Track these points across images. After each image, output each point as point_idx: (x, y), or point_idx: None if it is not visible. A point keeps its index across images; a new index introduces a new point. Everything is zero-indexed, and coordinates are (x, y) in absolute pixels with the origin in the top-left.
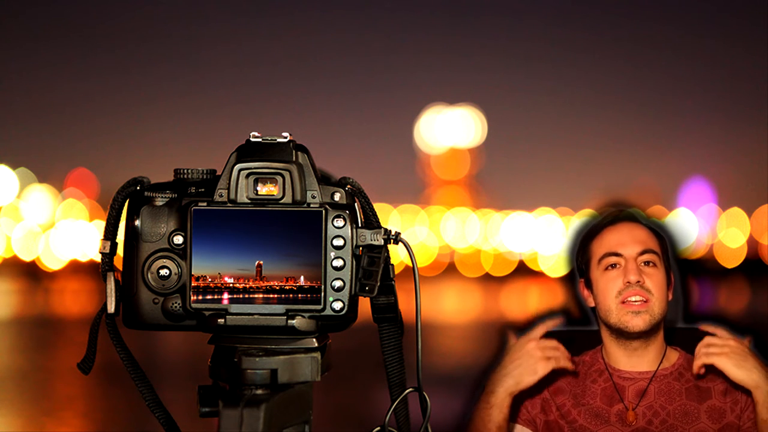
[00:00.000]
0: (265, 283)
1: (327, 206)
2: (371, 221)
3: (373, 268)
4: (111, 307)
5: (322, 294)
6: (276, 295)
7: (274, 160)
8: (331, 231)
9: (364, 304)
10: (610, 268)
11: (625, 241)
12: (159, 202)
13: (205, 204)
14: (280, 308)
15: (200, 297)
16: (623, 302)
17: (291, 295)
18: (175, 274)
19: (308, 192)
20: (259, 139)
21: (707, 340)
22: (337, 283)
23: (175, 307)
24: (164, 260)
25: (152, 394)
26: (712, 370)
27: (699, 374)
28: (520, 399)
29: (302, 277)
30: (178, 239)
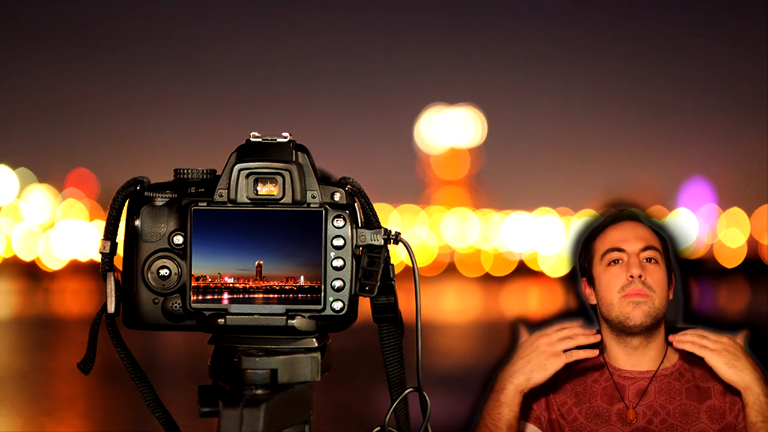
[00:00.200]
0: (265, 283)
1: (327, 206)
2: (371, 221)
3: (373, 268)
4: (111, 307)
5: (322, 294)
6: (276, 295)
7: (274, 160)
8: (331, 231)
9: (364, 304)
10: (612, 263)
11: (627, 237)
12: (159, 202)
13: (205, 204)
14: (280, 308)
15: (200, 297)
16: (625, 297)
17: (291, 295)
18: (175, 274)
19: (308, 192)
20: (259, 139)
21: (701, 331)
22: (337, 283)
23: (175, 307)
24: (164, 260)
25: (152, 394)
26: (706, 374)
27: (679, 350)
28: (530, 396)
29: (302, 277)
30: (178, 239)
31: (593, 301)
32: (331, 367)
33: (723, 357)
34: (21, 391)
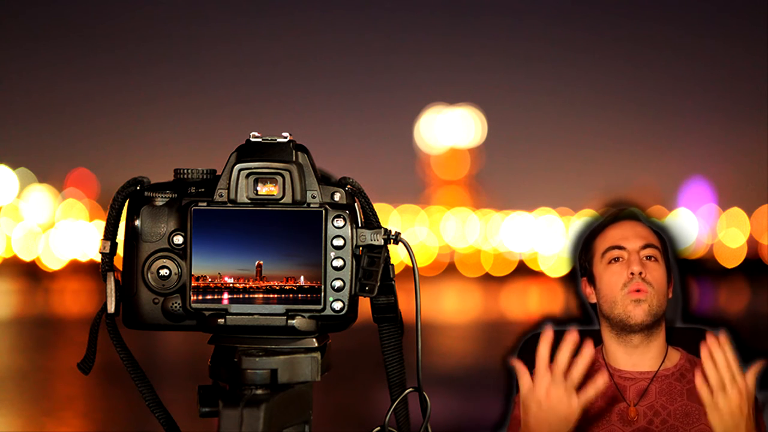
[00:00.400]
0: (265, 283)
1: (327, 206)
2: (371, 221)
3: (373, 268)
4: (111, 307)
5: (322, 294)
6: (276, 295)
7: (274, 160)
8: (331, 231)
9: (364, 304)
10: (613, 261)
11: (628, 235)
12: (159, 202)
13: (205, 204)
14: (280, 308)
15: (200, 297)
16: (627, 294)
17: (291, 295)
18: (175, 274)
19: (308, 192)
20: (259, 139)
21: (731, 362)
22: (337, 283)
23: (175, 307)
24: (164, 260)
25: (152, 394)
26: None
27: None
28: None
29: (302, 277)
30: (178, 239)
31: (593, 300)
32: (331, 367)
33: (723, 421)
34: (21, 391)
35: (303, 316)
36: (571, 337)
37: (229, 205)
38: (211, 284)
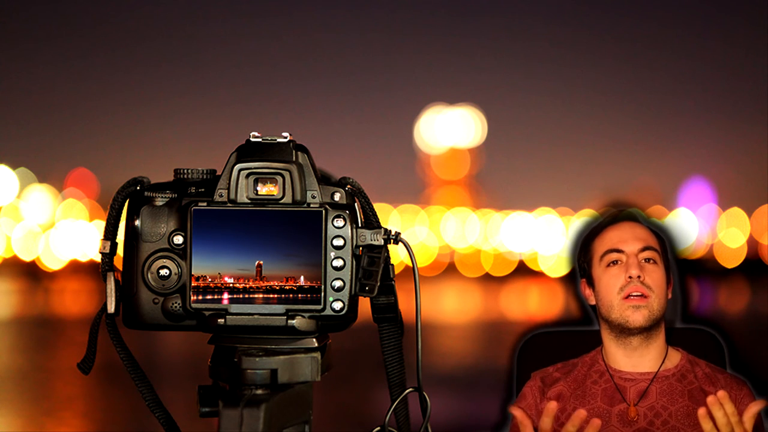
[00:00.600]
0: (265, 283)
1: (327, 206)
2: (371, 221)
3: (373, 268)
4: (111, 307)
5: (322, 294)
6: (276, 295)
7: (274, 160)
8: (331, 231)
9: (364, 304)
10: (611, 264)
11: (626, 238)
12: (159, 202)
13: (205, 204)
14: (280, 308)
15: (200, 297)
16: (625, 298)
17: (291, 295)
18: (175, 274)
19: (308, 192)
20: (259, 139)
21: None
22: (337, 283)
23: (175, 307)
24: (164, 260)
25: (152, 394)
26: (709, 376)
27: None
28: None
29: (302, 277)
30: (178, 239)
31: (593, 302)
32: (331, 367)
33: None
34: (21, 391)
35: (303, 316)
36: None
37: (229, 205)
38: (211, 284)
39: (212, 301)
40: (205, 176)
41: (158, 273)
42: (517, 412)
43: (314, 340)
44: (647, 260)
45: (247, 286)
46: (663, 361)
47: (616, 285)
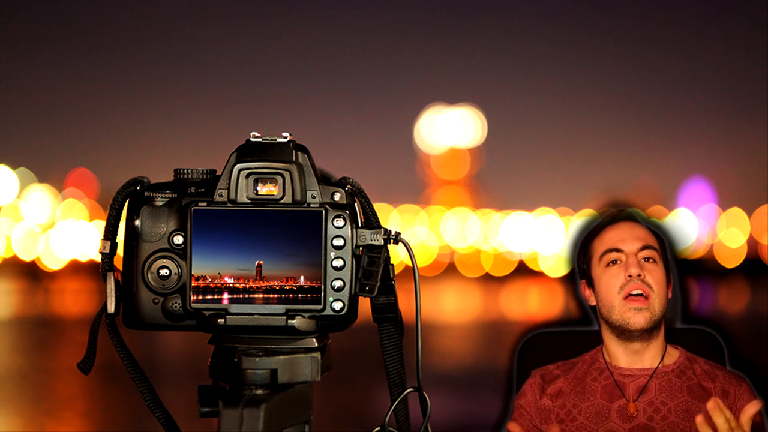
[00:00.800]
0: (265, 283)
1: (327, 206)
2: (371, 221)
3: (373, 268)
4: (111, 307)
5: (322, 294)
6: (276, 295)
7: (274, 160)
8: (331, 231)
9: (364, 304)
10: (611, 264)
11: (625, 237)
12: (159, 202)
13: (205, 204)
14: (280, 308)
15: (200, 297)
16: (625, 298)
17: (291, 295)
18: (175, 274)
19: (308, 192)
20: (259, 139)
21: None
22: (337, 283)
23: (175, 307)
24: (164, 260)
25: (152, 394)
26: (707, 372)
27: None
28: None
29: (302, 277)
30: (178, 239)
31: (593, 303)
32: (331, 367)
33: None
34: (21, 391)
35: (303, 316)
36: None
37: (229, 205)
38: (211, 284)
39: (212, 301)
40: (205, 176)
41: (158, 273)
42: (515, 429)
43: (314, 340)
44: (647, 259)
45: (247, 286)
46: (662, 358)
47: (616, 284)
